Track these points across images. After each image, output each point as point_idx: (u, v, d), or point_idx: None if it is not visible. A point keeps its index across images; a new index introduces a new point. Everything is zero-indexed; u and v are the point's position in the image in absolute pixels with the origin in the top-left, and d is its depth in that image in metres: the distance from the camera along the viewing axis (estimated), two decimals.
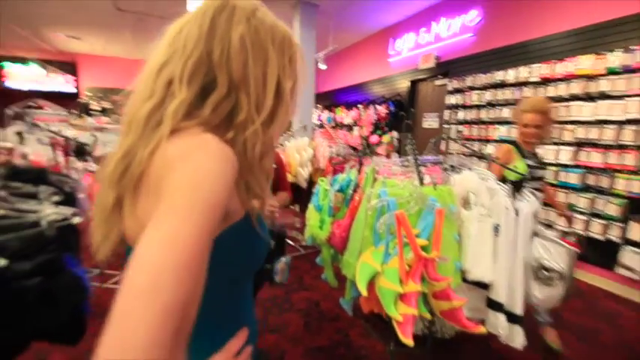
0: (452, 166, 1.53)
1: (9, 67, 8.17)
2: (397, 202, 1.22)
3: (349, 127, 6.48)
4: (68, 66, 8.59)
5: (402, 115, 5.21)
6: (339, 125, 6.94)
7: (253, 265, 0.54)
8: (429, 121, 4.93)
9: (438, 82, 4.73)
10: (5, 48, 7.69)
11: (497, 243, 1.26)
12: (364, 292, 1.18)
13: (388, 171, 1.45)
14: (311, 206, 1.78)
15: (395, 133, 5.31)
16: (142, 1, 4.89)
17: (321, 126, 7.29)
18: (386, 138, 5.37)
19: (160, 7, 5.06)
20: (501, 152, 1.89)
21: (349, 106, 6.58)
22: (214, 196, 0.38)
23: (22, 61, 8.14)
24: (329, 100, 7.73)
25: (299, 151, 3.04)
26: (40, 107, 2.77)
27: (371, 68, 6.20)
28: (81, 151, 2.25)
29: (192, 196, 0.36)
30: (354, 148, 4.68)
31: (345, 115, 6.62)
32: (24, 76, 8.37)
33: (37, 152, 2.18)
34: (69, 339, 0.97)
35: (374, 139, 5.39)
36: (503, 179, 1.52)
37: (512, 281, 1.26)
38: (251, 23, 0.48)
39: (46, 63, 8.27)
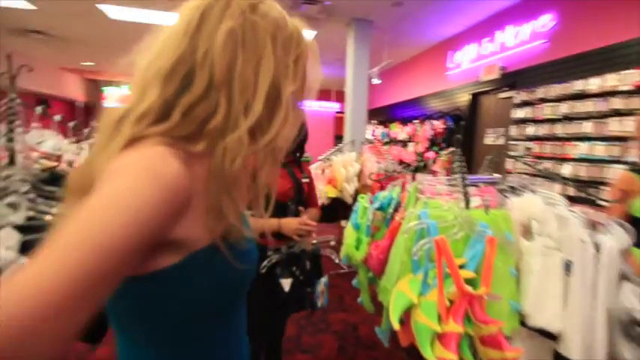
0: (512, 188, 1.31)
1: (107, 90, 9.69)
2: (439, 226, 1.07)
3: (404, 143, 6.24)
4: None
5: (452, 129, 4.86)
6: (393, 141, 6.73)
7: (229, 296, 0.47)
8: (492, 137, 4.50)
9: (503, 95, 4.31)
10: (105, 75, 9.14)
11: (570, 284, 1.02)
12: (396, 326, 1.04)
13: (432, 190, 1.30)
14: (349, 224, 1.68)
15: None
16: None
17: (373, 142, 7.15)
18: (443, 155, 5.04)
19: None
20: (623, 183, 1.44)
21: (404, 121, 6.36)
22: (124, 230, 0.31)
23: (117, 84, 9.56)
24: (384, 115, 7.58)
25: (345, 166, 2.97)
26: None
27: (428, 82, 5.94)
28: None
29: (89, 228, 0.30)
30: (407, 165, 4.46)
31: (399, 131, 6.40)
32: (116, 98, 9.84)
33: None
34: (92, 338, 1.00)
35: (430, 155, 5.09)
36: (630, 220, 1.21)
37: (591, 335, 1.01)
38: (247, 17, 0.43)
39: None
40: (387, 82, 7.29)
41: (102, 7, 4.65)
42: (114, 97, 9.73)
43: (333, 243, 1.31)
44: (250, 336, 1.40)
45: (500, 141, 4.36)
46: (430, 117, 5.42)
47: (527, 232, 1.12)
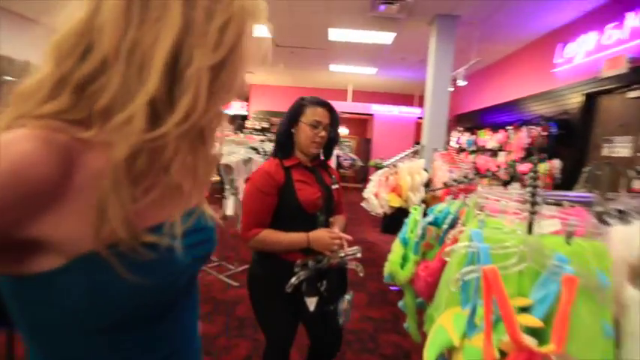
0: (619, 212, 0.96)
1: None
2: (492, 253, 0.83)
3: (493, 152, 5.48)
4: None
5: (555, 135, 4.04)
6: (480, 150, 5.99)
7: (124, 312, 0.38)
8: (616, 147, 3.58)
9: (633, 94, 3.39)
10: None
11: None
12: None
13: (496, 206, 1.04)
14: (397, 238, 1.49)
15: (557, 162, 4.12)
16: (292, 37, 5.66)
17: (461, 149, 6.47)
18: (543, 167, 4.23)
19: (307, 40, 5.73)
20: None
21: (496, 127, 5.59)
22: None
23: None
24: (472, 121, 6.82)
25: (412, 174, 2.71)
26: None
27: (527, 82, 5.11)
28: None
29: None
30: (493, 175, 3.89)
31: (489, 138, 5.66)
32: None
33: None
34: None
35: (523, 167, 4.35)
36: None
37: None
38: None
39: None
40: (476, 84, 6.56)
41: None
42: None
43: (359, 255, 1.16)
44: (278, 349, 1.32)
45: (626, 152, 3.44)
46: (528, 122, 4.63)
47: (636, 276, 0.79)
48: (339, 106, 9.14)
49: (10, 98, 0.35)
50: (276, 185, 1.19)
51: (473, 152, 6.18)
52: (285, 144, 1.26)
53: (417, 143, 4.85)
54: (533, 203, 0.79)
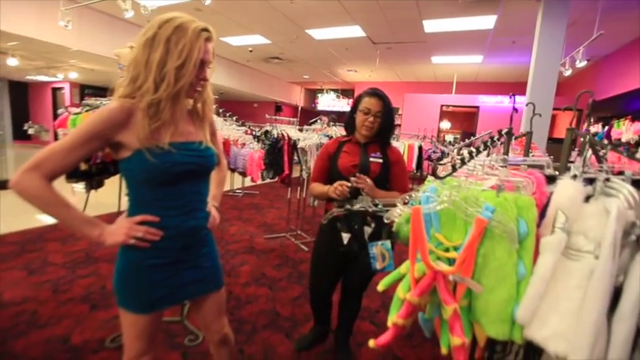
0: (588, 179, 0.98)
1: (319, 96, 12.21)
2: (430, 200, 1.03)
3: (630, 145, 4.43)
4: (349, 92, 11.57)
5: None
6: (616, 144, 4.88)
7: (159, 178, 0.86)
8: None
9: None
10: (317, 84, 11.55)
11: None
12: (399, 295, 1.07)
13: (465, 172, 1.17)
14: None
15: None
16: (387, 34, 5.84)
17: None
18: None
19: (402, 34, 5.81)
20: None
21: (638, 116, 4.49)
22: (86, 129, 0.80)
23: (321, 91, 11.86)
24: (611, 109, 5.58)
25: None
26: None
27: None
28: (259, 138, 3.96)
29: (79, 127, 0.80)
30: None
31: (625, 130, 4.59)
32: (324, 102, 12.18)
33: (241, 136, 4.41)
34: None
35: None
36: None
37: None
38: (155, 31, 0.82)
39: (336, 91, 11.61)
40: (614, 65, 5.31)
41: (309, 31, 6.07)
42: (324, 101, 12.13)
43: (397, 213, 1.28)
44: (321, 276, 1.67)
45: None
46: None
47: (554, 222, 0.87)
48: (442, 99, 8.69)
49: (116, 88, 0.89)
50: (328, 154, 1.59)
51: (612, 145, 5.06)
52: (348, 125, 1.62)
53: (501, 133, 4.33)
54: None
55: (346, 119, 1.62)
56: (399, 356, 1.81)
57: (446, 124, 9.75)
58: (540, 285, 0.83)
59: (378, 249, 1.49)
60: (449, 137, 9.41)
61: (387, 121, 1.52)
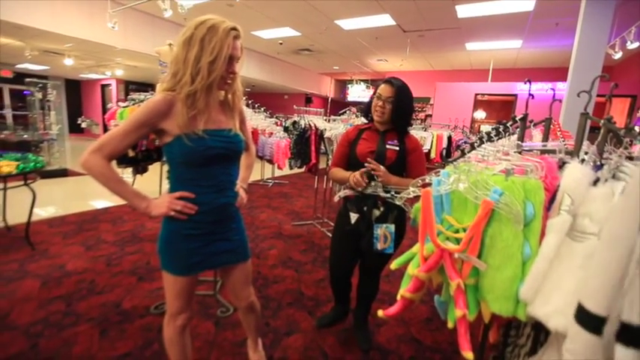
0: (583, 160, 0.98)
1: (349, 87, 12.15)
2: (442, 182, 1.08)
3: None
4: (380, 82, 11.39)
5: None
6: None
7: (198, 158, 0.99)
8: None
9: None
10: (347, 74, 11.48)
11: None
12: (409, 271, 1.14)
13: (478, 157, 1.19)
14: None
15: None
16: (418, 21, 5.69)
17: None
18: None
19: (434, 21, 5.64)
20: None
21: None
22: (137, 118, 0.94)
23: (351, 82, 11.78)
24: None
25: None
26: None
27: None
28: (287, 128, 4.04)
29: (131, 116, 0.94)
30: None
31: None
32: (354, 92, 12.11)
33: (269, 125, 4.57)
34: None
35: None
36: None
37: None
38: (192, 31, 0.94)
39: (366, 81, 11.48)
40: None
41: (338, 22, 6.07)
42: (354, 92, 12.07)
43: (410, 195, 1.30)
44: (337, 256, 1.77)
45: None
46: None
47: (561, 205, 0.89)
48: (476, 88, 8.30)
49: (160, 82, 1.02)
50: (348, 140, 1.68)
51: None
52: (366, 113, 1.70)
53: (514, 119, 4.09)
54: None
55: (365, 107, 1.68)
56: (418, 339, 1.87)
57: (481, 114, 9.33)
58: (543, 264, 0.87)
59: (382, 230, 1.56)
60: (484, 127, 9.01)
61: (400, 107, 1.55)
